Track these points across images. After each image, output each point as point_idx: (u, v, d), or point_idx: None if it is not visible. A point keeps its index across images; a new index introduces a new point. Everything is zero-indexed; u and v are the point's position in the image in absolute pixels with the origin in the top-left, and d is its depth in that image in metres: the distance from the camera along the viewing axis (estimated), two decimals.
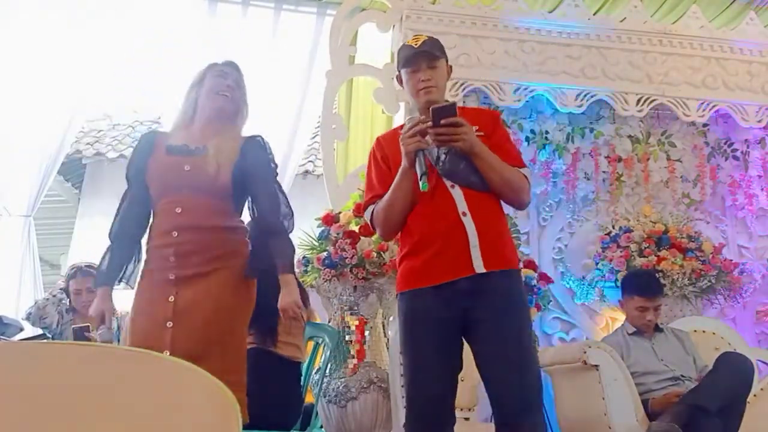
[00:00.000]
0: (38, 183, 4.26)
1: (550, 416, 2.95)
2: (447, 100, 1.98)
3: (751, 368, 2.64)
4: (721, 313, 4.16)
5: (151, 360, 0.86)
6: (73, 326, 2.96)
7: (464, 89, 4.04)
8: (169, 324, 1.95)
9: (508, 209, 2.05)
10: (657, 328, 2.98)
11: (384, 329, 3.33)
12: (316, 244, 3.36)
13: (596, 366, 2.64)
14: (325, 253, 3.21)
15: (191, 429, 0.78)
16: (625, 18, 4.33)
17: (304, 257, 3.35)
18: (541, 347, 3.63)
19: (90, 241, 6.13)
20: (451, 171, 1.91)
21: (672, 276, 3.72)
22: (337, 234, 3.24)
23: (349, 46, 4.22)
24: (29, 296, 4.08)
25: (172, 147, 2.10)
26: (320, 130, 4.15)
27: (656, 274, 3.42)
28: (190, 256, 2.01)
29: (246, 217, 2.22)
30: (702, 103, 4.29)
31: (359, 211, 3.26)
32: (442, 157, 1.92)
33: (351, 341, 3.21)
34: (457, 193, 1.90)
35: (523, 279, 3.00)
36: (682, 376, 2.80)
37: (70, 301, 3.22)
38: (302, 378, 2.76)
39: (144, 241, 2.15)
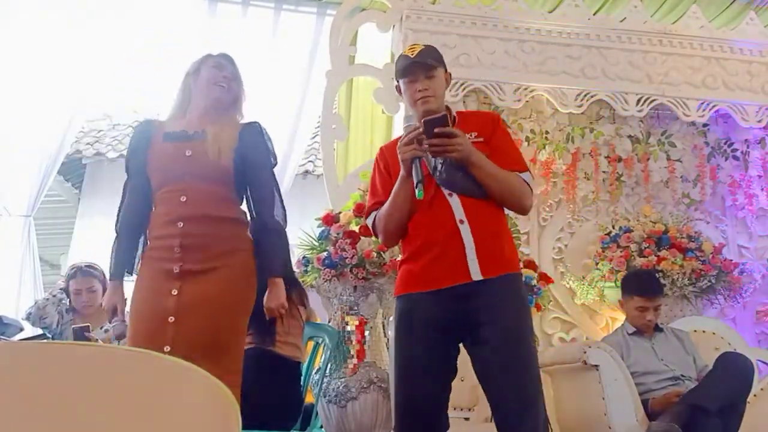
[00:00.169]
0: (38, 183, 4.26)
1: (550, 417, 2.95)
2: (447, 107, 1.99)
3: (751, 368, 2.64)
4: (721, 313, 4.16)
5: (151, 360, 0.86)
6: (73, 326, 2.96)
7: (464, 89, 4.04)
8: (171, 319, 1.93)
9: (508, 210, 2.05)
10: (657, 328, 2.98)
11: (384, 329, 3.33)
12: (316, 244, 3.36)
13: (596, 366, 2.63)
14: (325, 253, 3.21)
15: (191, 429, 0.78)
16: (625, 18, 4.34)
17: (304, 257, 3.35)
18: (540, 347, 3.63)
19: (90, 241, 6.14)
20: (448, 180, 1.91)
21: (672, 276, 3.72)
22: (337, 234, 3.24)
23: (349, 46, 4.22)
24: (29, 296, 4.08)
25: (170, 134, 2.08)
26: (320, 130, 4.15)
27: (656, 274, 3.42)
28: (196, 251, 1.99)
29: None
30: (702, 103, 4.29)
31: (359, 211, 3.26)
32: (439, 166, 1.92)
33: (351, 341, 3.22)
34: (455, 201, 1.90)
35: (523, 279, 3.00)
36: (682, 376, 2.80)
37: (70, 301, 3.22)
38: (302, 378, 2.76)
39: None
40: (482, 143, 1.95)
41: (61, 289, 3.27)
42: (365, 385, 3.11)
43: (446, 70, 2.04)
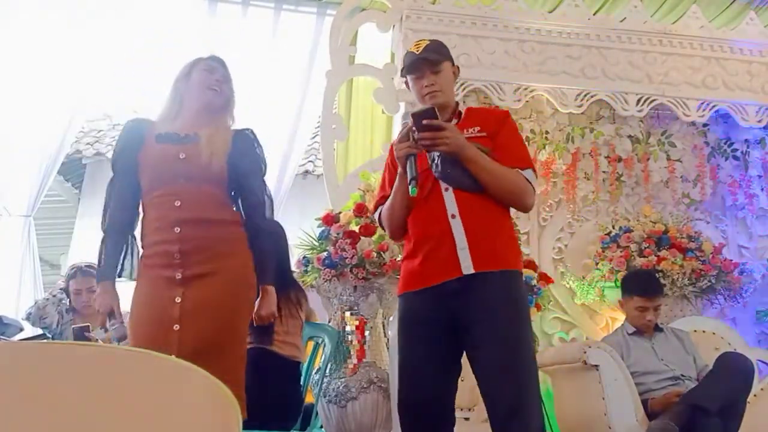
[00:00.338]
0: (38, 183, 4.26)
1: (550, 417, 2.95)
2: (456, 102, 1.99)
3: (751, 368, 2.64)
4: (721, 313, 4.16)
5: (151, 360, 0.86)
6: (73, 326, 2.96)
7: (464, 89, 4.04)
8: (176, 327, 1.90)
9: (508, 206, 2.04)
10: (657, 328, 2.98)
11: (384, 329, 3.33)
12: (316, 244, 3.36)
13: (596, 366, 2.63)
14: (325, 253, 3.21)
15: (191, 429, 0.78)
16: (625, 18, 4.34)
17: (304, 257, 3.35)
18: (540, 347, 3.62)
19: (90, 241, 6.12)
20: (443, 174, 1.91)
21: (672, 276, 3.72)
22: (337, 234, 3.24)
23: (349, 46, 4.22)
24: (29, 296, 4.08)
25: (163, 135, 2.04)
26: (320, 130, 4.15)
27: (656, 274, 3.42)
28: (195, 254, 1.96)
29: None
30: (702, 103, 4.29)
31: (359, 211, 3.26)
32: (436, 159, 1.92)
33: (351, 341, 3.22)
34: (449, 196, 1.90)
35: (524, 278, 3.00)
36: (682, 375, 2.80)
37: (70, 301, 3.22)
38: (302, 378, 2.76)
39: (138, 234, 2.10)
40: (485, 138, 1.95)
41: (61, 289, 3.28)
42: (365, 385, 3.11)
43: (453, 64, 2.05)
